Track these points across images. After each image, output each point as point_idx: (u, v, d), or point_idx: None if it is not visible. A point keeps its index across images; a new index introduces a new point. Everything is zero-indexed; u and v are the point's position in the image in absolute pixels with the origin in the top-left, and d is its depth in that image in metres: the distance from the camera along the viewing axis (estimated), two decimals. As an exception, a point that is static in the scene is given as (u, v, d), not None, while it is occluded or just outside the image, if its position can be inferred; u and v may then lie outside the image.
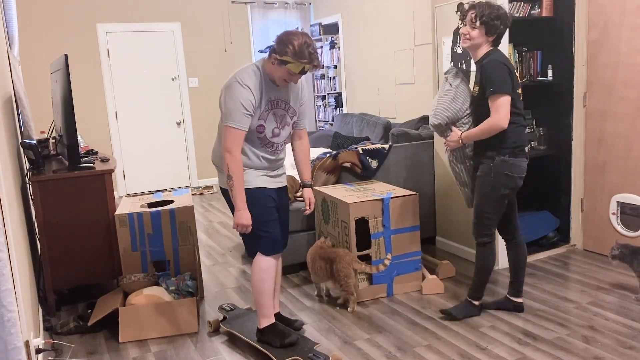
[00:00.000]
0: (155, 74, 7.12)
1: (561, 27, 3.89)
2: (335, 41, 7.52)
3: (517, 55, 3.89)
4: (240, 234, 2.70)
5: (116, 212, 3.41)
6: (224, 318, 3.12)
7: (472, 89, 2.93)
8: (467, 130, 2.90)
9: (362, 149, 4.03)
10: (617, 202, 3.74)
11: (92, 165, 3.43)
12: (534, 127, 4.15)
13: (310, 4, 7.93)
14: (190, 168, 7.47)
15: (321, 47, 7.72)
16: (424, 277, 3.48)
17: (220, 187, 2.82)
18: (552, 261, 3.87)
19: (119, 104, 6.98)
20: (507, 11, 2.85)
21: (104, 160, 3.82)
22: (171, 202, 3.71)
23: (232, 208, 2.66)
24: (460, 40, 2.89)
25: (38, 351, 2.16)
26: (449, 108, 2.91)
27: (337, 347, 2.83)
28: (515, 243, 3.06)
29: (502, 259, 3.69)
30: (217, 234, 5.09)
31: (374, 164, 4.03)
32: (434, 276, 3.46)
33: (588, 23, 3.78)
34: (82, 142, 4.39)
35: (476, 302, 3.07)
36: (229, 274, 4.01)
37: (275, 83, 2.59)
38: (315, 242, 3.55)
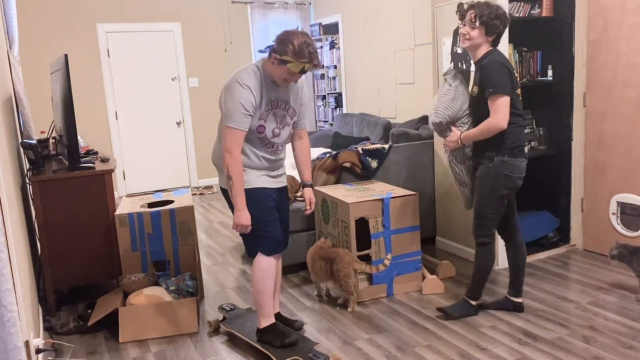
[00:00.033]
0: (155, 74, 7.12)
1: (561, 27, 3.89)
2: (335, 41, 7.52)
3: (517, 55, 3.89)
4: (241, 234, 2.70)
5: (116, 212, 3.41)
6: (224, 318, 3.12)
7: (471, 90, 2.93)
8: (466, 130, 2.90)
9: (362, 149, 4.03)
10: (617, 202, 3.74)
11: (92, 165, 3.43)
12: (534, 127, 4.15)
13: (310, 4, 7.93)
14: (190, 168, 7.47)
15: (321, 47, 7.72)
16: (424, 277, 3.48)
17: (220, 187, 2.82)
18: (552, 261, 3.87)
19: (119, 104, 6.98)
20: (506, 11, 2.85)
21: (104, 160, 3.82)
22: (171, 202, 3.71)
23: (232, 208, 2.66)
24: (460, 40, 2.89)
25: (38, 351, 2.16)
26: (449, 107, 2.92)
27: (337, 347, 2.83)
28: (514, 243, 3.06)
29: (502, 259, 3.69)
30: (217, 234, 5.09)
31: (374, 164, 4.03)
32: (434, 276, 3.47)
33: (588, 23, 3.78)
34: (82, 142, 4.39)
35: (474, 302, 3.07)
36: (229, 274, 4.01)
37: (275, 83, 2.59)
38: (315, 242, 3.55)
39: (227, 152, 2.52)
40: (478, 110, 2.86)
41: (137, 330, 3.01)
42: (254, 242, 2.74)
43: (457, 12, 2.91)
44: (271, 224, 2.69)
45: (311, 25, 7.92)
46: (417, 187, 4.16)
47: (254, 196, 2.63)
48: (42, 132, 4.46)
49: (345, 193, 3.57)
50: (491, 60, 2.75)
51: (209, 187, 7.28)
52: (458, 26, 2.88)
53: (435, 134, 4.15)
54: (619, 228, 3.74)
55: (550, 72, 3.99)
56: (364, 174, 4.03)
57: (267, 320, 2.79)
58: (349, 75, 7.25)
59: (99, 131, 6.89)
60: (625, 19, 3.54)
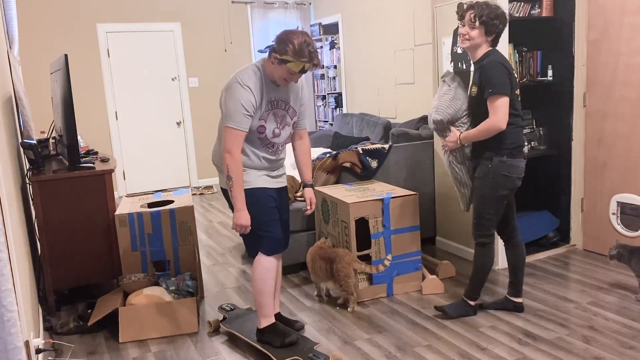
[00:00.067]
0: (155, 74, 7.12)
1: (561, 27, 3.89)
2: (335, 41, 7.52)
3: (517, 55, 3.89)
4: (241, 234, 2.70)
5: (116, 212, 3.41)
6: (224, 318, 3.12)
7: (470, 90, 2.93)
8: (465, 130, 2.90)
9: (362, 149, 4.03)
10: (617, 202, 3.74)
11: (92, 165, 3.43)
12: (534, 127, 4.15)
13: (310, 4, 7.93)
14: (190, 168, 7.47)
15: (321, 47, 7.72)
16: (424, 277, 3.48)
17: (220, 187, 2.82)
18: (552, 261, 3.87)
19: (119, 104, 6.98)
20: (506, 11, 2.84)
21: (104, 160, 3.82)
22: (171, 202, 3.71)
23: (232, 208, 2.66)
24: (459, 40, 2.89)
25: (38, 351, 2.16)
26: (450, 106, 2.92)
27: (337, 347, 2.83)
28: (513, 243, 3.06)
29: (502, 259, 3.69)
30: (217, 234, 5.09)
31: (374, 164, 4.03)
32: (434, 276, 3.47)
33: (588, 23, 3.78)
34: (82, 142, 4.39)
35: (472, 303, 3.07)
36: (229, 274, 4.01)
37: (275, 83, 2.59)
38: (315, 242, 3.55)
39: (227, 152, 2.52)
40: (477, 111, 2.86)
41: (137, 330, 3.01)
42: (255, 242, 2.74)
43: (456, 12, 2.92)
44: (271, 224, 2.69)
45: (311, 25, 7.92)
46: (417, 187, 4.16)
47: (254, 196, 2.63)
48: (42, 132, 4.46)
49: (345, 193, 3.57)
50: (491, 60, 2.75)
51: (209, 187, 7.28)
52: (458, 26, 2.88)
53: (435, 135, 4.15)
54: (619, 228, 3.74)
55: (550, 72, 3.99)
56: (364, 174, 4.03)
57: (267, 320, 2.79)
58: (349, 75, 7.25)
59: (99, 131, 6.89)
60: (625, 19, 3.54)
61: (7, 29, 3.90)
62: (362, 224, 3.37)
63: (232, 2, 7.45)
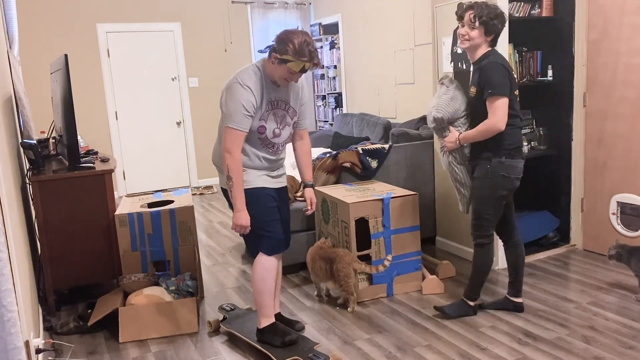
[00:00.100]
0: (155, 74, 7.12)
1: (561, 27, 3.89)
2: (335, 41, 7.52)
3: (517, 55, 3.89)
4: (241, 234, 2.70)
5: (116, 212, 3.41)
6: (224, 318, 3.12)
7: (469, 90, 2.93)
8: (464, 131, 2.90)
9: (362, 149, 4.03)
10: (617, 202, 3.74)
11: (92, 165, 3.43)
12: (534, 127, 4.15)
13: (310, 4, 7.93)
14: (190, 168, 7.47)
15: (321, 47, 7.72)
16: (424, 277, 3.48)
17: (220, 187, 2.82)
18: (552, 261, 3.87)
19: (119, 104, 6.98)
20: (506, 11, 2.84)
21: (104, 160, 3.82)
22: (171, 202, 3.71)
23: (232, 208, 2.66)
24: (459, 41, 2.89)
25: (38, 351, 2.16)
26: (450, 105, 2.92)
27: (337, 347, 2.83)
28: (512, 243, 3.06)
29: (502, 259, 3.69)
30: (217, 234, 5.09)
31: (374, 164, 4.03)
32: (434, 276, 3.47)
33: (588, 23, 3.78)
34: (82, 142, 4.39)
35: (472, 303, 3.07)
36: (229, 274, 4.01)
37: (275, 83, 2.59)
38: (315, 242, 3.55)
39: (227, 152, 2.52)
40: (476, 112, 2.86)
41: (137, 330, 3.01)
42: (255, 242, 2.74)
43: (456, 12, 2.92)
44: (272, 223, 2.69)
45: (311, 25, 7.92)
46: (417, 187, 4.16)
47: (254, 196, 2.63)
48: (42, 132, 4.46)
49: (345, 193, 3.57)
50: (491, 61, 2.75)
51: (209, 187, 7.28)
52: (458, 26, 2.87)
53: (435, 136, 4.15)
54: (619, 228, 3.74)
55: (550, 72, 3.99)
56: (364, 174, 4.03)
57: (267, 320, 2.79)
58: (349, 75, 7.25)
59: (99, 131, 6.89)
60: (625, 19, 3.54)
61: (7, 29, 3.90)
62: (362, 224, 3.37)
63: (232, 2, 7.45)
